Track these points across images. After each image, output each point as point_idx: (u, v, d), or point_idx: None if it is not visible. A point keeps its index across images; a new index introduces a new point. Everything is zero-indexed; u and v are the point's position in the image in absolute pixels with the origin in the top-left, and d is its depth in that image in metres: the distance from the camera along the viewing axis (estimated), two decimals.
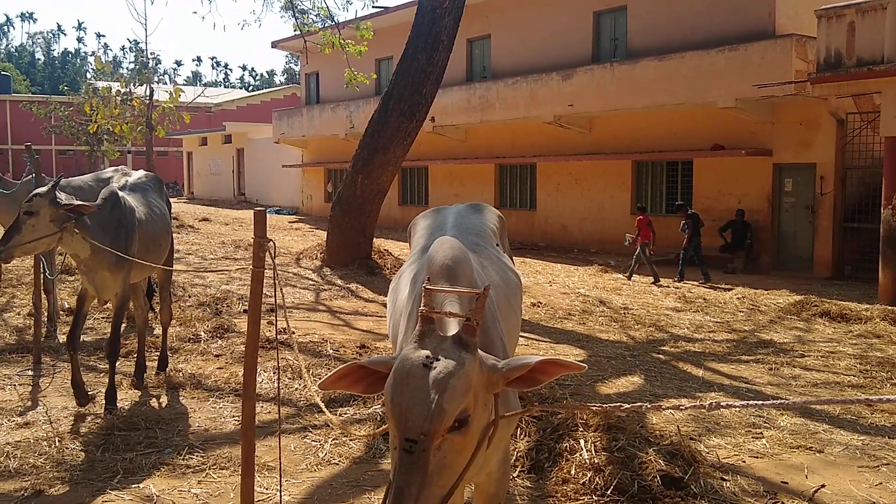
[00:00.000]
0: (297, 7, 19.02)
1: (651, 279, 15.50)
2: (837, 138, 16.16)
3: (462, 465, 2.14)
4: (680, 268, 15.89)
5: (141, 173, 7.20)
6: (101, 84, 36.85)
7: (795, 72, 15.53)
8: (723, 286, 14.84)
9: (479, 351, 2.25)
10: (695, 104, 17.87)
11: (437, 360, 2.15)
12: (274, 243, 3.81)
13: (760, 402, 2.29)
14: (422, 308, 2.30)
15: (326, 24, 18.41)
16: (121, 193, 6.21)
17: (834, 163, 16.26)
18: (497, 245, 3.37)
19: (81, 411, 6.13)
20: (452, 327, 2.39)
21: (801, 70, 15.43)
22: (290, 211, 34.85)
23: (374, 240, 16.11)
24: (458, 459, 2.13)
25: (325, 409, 3.67)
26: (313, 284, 13.61)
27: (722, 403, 2.33)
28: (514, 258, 4.01)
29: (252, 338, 3.85)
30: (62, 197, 5.67)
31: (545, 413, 5.79)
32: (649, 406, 2.43)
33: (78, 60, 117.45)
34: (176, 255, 14.95)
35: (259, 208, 4.10)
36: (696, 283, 15.30)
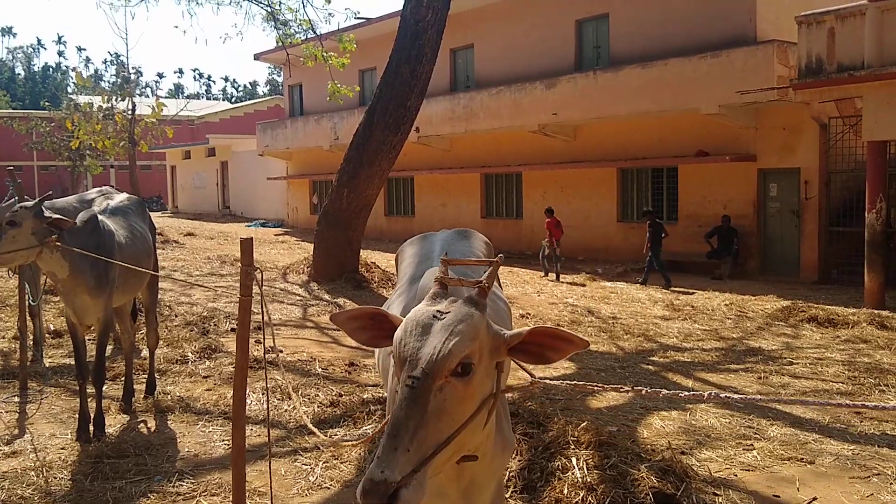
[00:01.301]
0: (278, 19, 18.98)
1: (553, 275, 17.39)
2: (821, 143, 16.25)
3: (460, 417, 2.15)
4: (646, 274, 16.46)
5: (123, 196, 7.16)
6: (82, 99, 36.70)
7: (778, 77, 15.63)
8: (684, 290, 14.89)
9: (488, 317, 2.31)
10: (679, 111, 17.93)
11: (448, 313, 2.23)
12: (261, 271, 3.79)
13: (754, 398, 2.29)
14: (438, 274, 2.41)
15: (309, 37, 18.38)
16: (101, 217, 6.16)
17: (818, 167, 16.34)
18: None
19: (71, 440, 6.07)
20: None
21: (784, 76, 15.51)
22: (276, 223, 34.76)
23: (361, 252, 16.08)
24: (458, 409, 2.14)
25: (316, 431, 3.65)
26: (300, 300, 13.57)
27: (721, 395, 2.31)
28: (501, 268, 4.03)
29: (241, 369, 3.83)
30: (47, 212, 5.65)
31: (535, 430, 5.79)
32: (645, 390, 2.43)
33: (59, 75, 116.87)
34: (161, 272, 14.90)
35: (246, 237, 4.08)
36: (658, 287, 15.81)
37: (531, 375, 2.57)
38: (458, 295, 2.34)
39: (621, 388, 2.41)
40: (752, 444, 6.18)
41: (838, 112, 15.57)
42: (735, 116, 17.07)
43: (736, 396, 2.28)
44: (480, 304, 2.29)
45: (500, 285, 3.77)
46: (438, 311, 2.26)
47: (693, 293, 14.96)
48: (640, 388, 2.29)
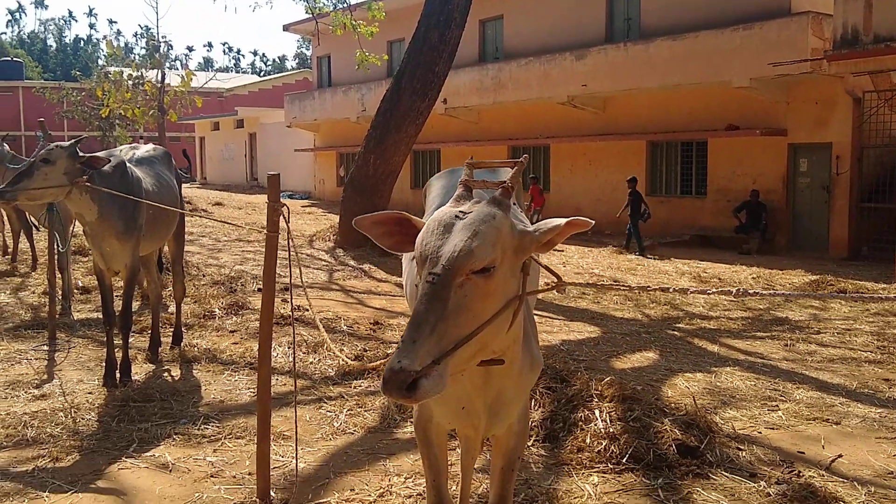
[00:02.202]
0: None
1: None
2: (854, 117, 15.99)
3: (481, 314, 2.16)
4: (627, 240, 17.20)
5: (150, 146, 7.20)
6: (112, 69, 36.92)
7: (811, 50, 15.38)
8: (654, 257, 14.94)
9: (512, 217, 2.32)
10: (709, 84, 17.73)
11: (470, 213, 2.25)
12: (288, 208, 3.79)
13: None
14: (462, 177, 2.43)
15: (338, 6, 18.35)
16: (128, 165, 6.20)
17: (850, 142, 16.10)
18: (514, 204, 3.34)
19: (98, 386, 6.14)
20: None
21: (818, 48, 15.27)
22: (303, 195, 34.86)
23: None
24: (478, 306, 2.16)
25: (350, 363, 3.66)
26: (326, 265, 13.62)
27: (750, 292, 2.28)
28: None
29: (267, 302, 3.84)
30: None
31: (558, 385, 5.78)
32: (673, 289, 2.41)
33: (90, 47, 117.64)
34: (190, 237, 15.00)
35: (272, 173, 4.09)
36: (634, 254, 16.46)
37: (557, 278, 2.58)
38: (482, 197, 2.32)
39: (648, 287, 2.39)
40: (777, 406, 6.13)
41: (873, 86, 15.29)
42: (766, 90, 16.84)
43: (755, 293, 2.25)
44: (504, 203, 2.29)
45: (523, 210, 3.74)
46: (461, 211, 2.27)
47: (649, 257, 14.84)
48: (667, 286, 2.28)
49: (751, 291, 2.16)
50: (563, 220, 2.34)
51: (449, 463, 3.21)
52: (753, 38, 16.55)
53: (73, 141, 5.77)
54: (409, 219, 2.54)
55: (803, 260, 15.69)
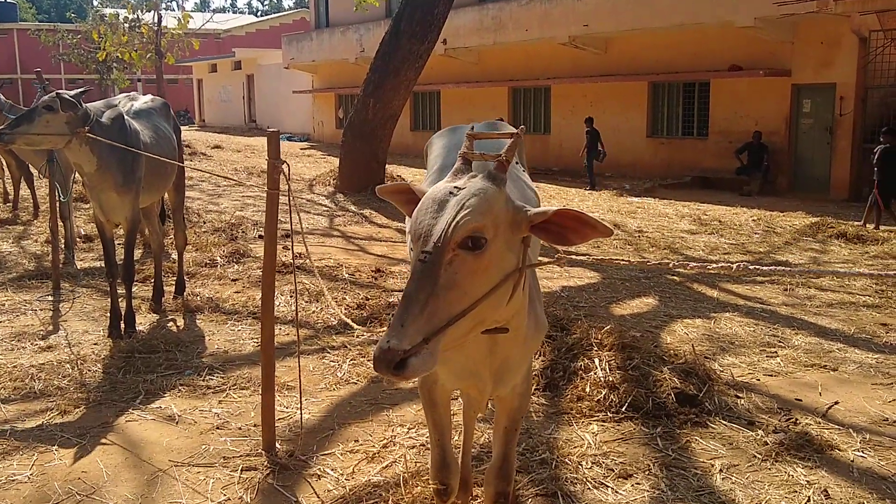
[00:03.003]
0: None
1: None
2: (859, 57, 15.81)
3: (474, 291, 2.16)
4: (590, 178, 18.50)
5: (148, 98, 7.13)
6: (108, 11, 36.38)
7: None
8: (711, 205, 14.77)
9: (508, 191, 2.31)
10: (713, 24, 17.48)
11: (464, 188, 2.24)
12: (288, 165, 3.79)
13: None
14: (462, 150, 2.42)
15: None
16: (126, 117, 6.17)
17: (855, 83, 15.95)
18: (516, 163, 3.33)
19: (103, 336, 6.20)
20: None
21: None
22: (302, 138, 34.66)
23: (387, 166, 16.04)
24: (470, 282, 2.15)
25: (351, 323, 3.70)
26: (327, 210, 13.62)
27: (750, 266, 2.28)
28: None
29: (269, 257, 3.87)
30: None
31: (558, 333, 5.84)
32: (673, 263, 2.43)
33: None
34: (189, 182, 14.97)
35: (272, 129, 4.07)
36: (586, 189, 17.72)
37: (557, 249, 2.57)
38: (480, 170, 2.32)
39: (648, 262, 2.39)
40: (775, 352, 6.19)
41: (880, 25, 15.09)
42: (771, 30, 16.61)
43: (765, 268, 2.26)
44: (498, 178, 2.27)
45: (525, 169, 3.73)
46: (456, 186, 2.25)
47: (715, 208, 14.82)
48: (684, 262, 2.29)
49: (751, 266, 2.17)
50: (553, 208, 2.32)
51: (451, 414, 3.25)
52: None
53: (78, 91, 5.73)
54: (412, 189, 2.53)
55: (804, 201, 15.68)
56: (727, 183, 17.66)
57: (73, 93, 5.65)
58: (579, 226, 2.33)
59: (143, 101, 6.92)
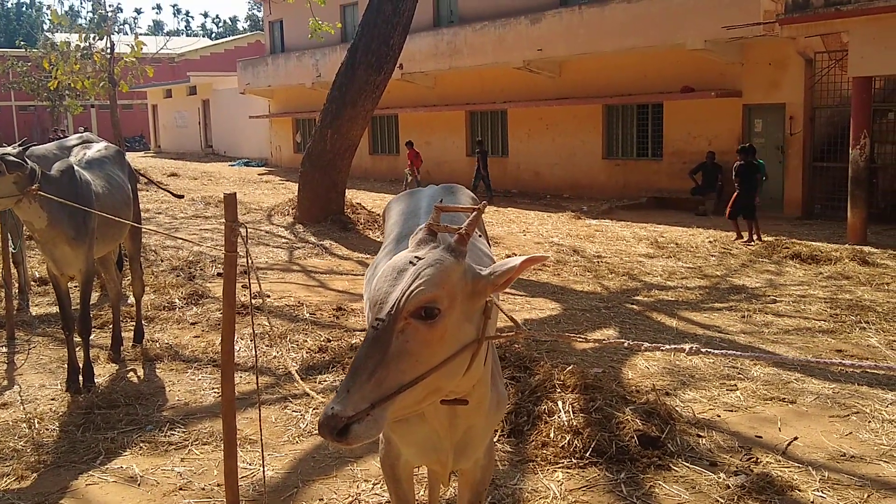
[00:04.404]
0: None
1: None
2: (806, 78, 16.17)
3: (427, 360, 2.16)
4: (488, 190, 20.35)
5: (101, 145, 7.05)
6: (59, 37, 35.94)
7: (764, 12, 15.43)
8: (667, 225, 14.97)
9: (468, 262, 2.32)
10: (665, 46, 17.76)
11: (423, 258, 2.25)
12: (246, 228, 3.77)
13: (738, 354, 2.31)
14: (429, 220, 2.45)
15: None
16: (77, 168, 6.08)
17: (803, 102, 16.29)
18: (478, 234, 3.36)
19: (60, 391, 6.10)
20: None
21: (770, 10, 15.32)
22: (260, 162, 34.49)
23: (347, 193, 16.02)
24: (423, 351, 2.15)
25: (300, 382, 3.67)
26: (286, 242, 13.56)
27: (702, 350, 2.32)
28: (487, 206, 4.07)
29: (227, 335, 3.84)
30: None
31: (522, 375, 5.87)
32: (627, 343, 2.46)
33: (34, 11, 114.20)
34: (145, 215, 14.81)
35: (229, 188, 4.05)
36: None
37: (517, 325, 2.58)
38: (443, 242, 2.34)
39: (623, 342, 2.41)
40: (735, 385, 6.27)
41: (824, 46, 15.45)
42: (721, 52, 16.93)
43: (749, 354, 2.29)
44: (458, 250, 2.28)
45: (487, 238, 3.76)
46: (416, 256, 2.27)
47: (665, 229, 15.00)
48: (639, 342, 2.31)
49: (703, 350, 2.20)
50: (518, 260, 2.32)
51: (416, 493, 3.25)
52: (707, 0, 16.58)
53: (20, 149, 5.63)
54: None
55: (759, 220, 15.90)
56: (683, 203, 17.90)
57: (15, 151, 5.54)
58: (528, 265, 2.36)
59: (96, 149, 6.84)
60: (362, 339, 2.19)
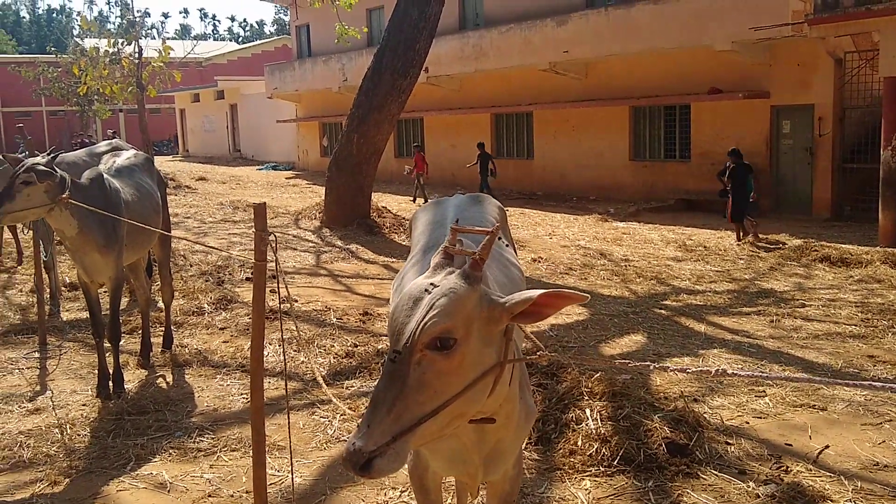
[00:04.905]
0: None
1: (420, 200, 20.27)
2: (836, 78, 16.00)
3: (446, 390, 2.15)
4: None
5: (131, 153, 7.13)
6: (88, 43, 36.31)
7: (793, 12, 15.30)
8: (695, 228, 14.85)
9: (484, 287, 2.29)
10: (692, 47, 17.66)
11: (438, 286, 2.23)
12: (275, 237, 3.80)
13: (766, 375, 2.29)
14: (445, 243, 2.43)
15: None
16: (106, 176, 6.15)
17: (832, 103, 16.12)
18: (499, 238, 3.35)
19: (91, 397, 6.17)
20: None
21: (799, 10, 15.19)
22: (287, 166, 34.70)
23: (373, 196, 16.07)
24: (441, 381, 2.14)
25: (327, 390, 3.69)
26: (313, 246, 13.62)
27: (728, 371, 2.28)
28: (512, 209, 4.06)
29: (257, 341, 3.86)
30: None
31: (549, 381, 5.85)
32: (655, 366, 2.44)
33: (63, 17, 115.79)
34: (174, 220, 14.95)
35: (259, 196, 4.08)
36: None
37: (540, 346, 2.57)
38: (460, 265, 2.33)
39: (668, 368, 2.38)
40: (763, 391, 6.21)
41: (854, 46, 15.28)
42: (748, 53, 16.81)
43: (804, 376, 2.27)
44: (472, 276, 2.25)
45: (513, 246, 3.75)
46: (432, 283, 2.25)
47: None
48: (665, 366, 2.29)
49: (729, 372, 2.17)
50: (535, 293, 2.27)
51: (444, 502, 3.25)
52: (735, 1, 16.46)
53: (49, 158, 5.70)
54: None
55: (787, 222, 15.79)
56: (710, 205, 17.76)
57: (45, 160, 5.61)
58: (558, 301, 2.32)
59: (126, 156, 6.91)
60: (388, 344, 2.20)
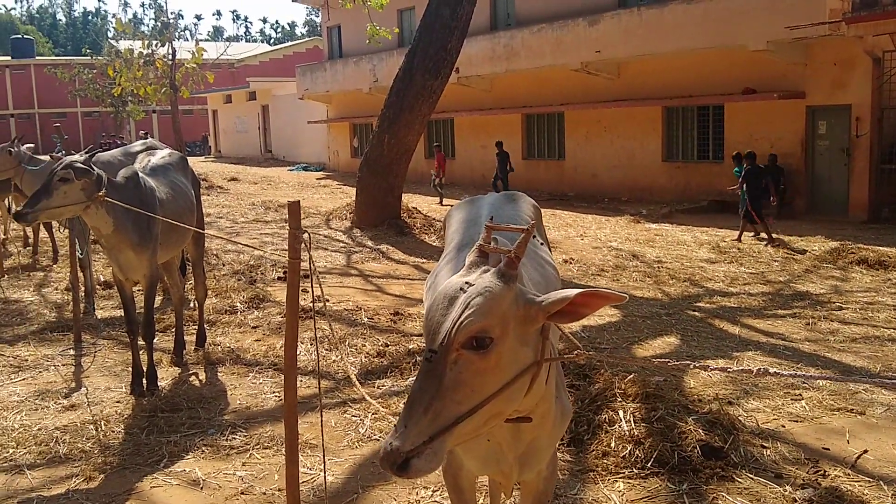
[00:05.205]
0: None
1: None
2: (874, 78, 15.74)
3: (483, 389, 2.14)
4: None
5: (166, 152, 7.19)
6: (123, 45, 36.82)
7: (830, 11, 15.09)
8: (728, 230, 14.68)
9: (520, 286, 2.27)
10: (725, 47, 17.48)
11: (473, 285, 2.21)
12: (310, 235, 3.80)
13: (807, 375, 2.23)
14: (479, 241, 2.42)
15: None
16: (141, 175, 6.21)
17: (870, 103, 15.87)
18: (534, 237, 3.32)
19: (125, 394, 6.22)
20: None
21: (836, 9, 14.98)
22: (317, 167, 34.88)
23: (403, 197, 16.09)
24: (478, 381, 2.13)
25: (360, 388, 3.68)
26: (344, 247, 13.66)
27: (770, 370, 2.23)
28: (543, 210, 4.04)
29: (291, 339, 3.87)
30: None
31: (582, 383, 5.81)
32: (695, 365, 2.40)
33: (99, 20, 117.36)
34: (207, 220, 15.06)
35: (291, 196, 4.08)
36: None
37: (578, 346, 2.53)
38: (495, 263, 2.31)
39: (709, 367, 2.34)
40: (800, 394, 6.12)
41: (893, 45, 15.04)
42: (783, 52, 16.60)
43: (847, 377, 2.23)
44: (507, 275, 2.23)
45: (547, 243, 3.71)
46: (467, 282, 2.23)
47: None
48: (706, 364, 2.24)
49: (772, 371, 2.12)
50: (572, 292, 2.24)
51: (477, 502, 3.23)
52: (769, 0, 16.28)
53: (87, 155, 5.77)
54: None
55: (822, 224, 15.58)
56: None
57: (83, 158, 5.67)
58: (595, 301, 2.29)
59: (161, 155, 6.97)
60: (420, 344, 2.19)
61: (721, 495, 4.45)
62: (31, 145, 10.98)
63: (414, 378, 6.18)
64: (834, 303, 9.26)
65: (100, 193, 5.59)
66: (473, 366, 2.13)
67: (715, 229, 15.41)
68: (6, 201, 12.41)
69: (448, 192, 22.32)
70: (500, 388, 2.18)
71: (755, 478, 4.64)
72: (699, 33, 17.61)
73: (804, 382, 6.41)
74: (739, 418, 5.45)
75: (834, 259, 11.72)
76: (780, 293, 9.94)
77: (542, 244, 3.53)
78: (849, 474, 4.72)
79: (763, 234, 13.94)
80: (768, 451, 5.03)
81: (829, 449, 5.11)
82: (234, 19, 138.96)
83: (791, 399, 6.05)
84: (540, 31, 21.62)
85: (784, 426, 5.50)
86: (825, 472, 4.72)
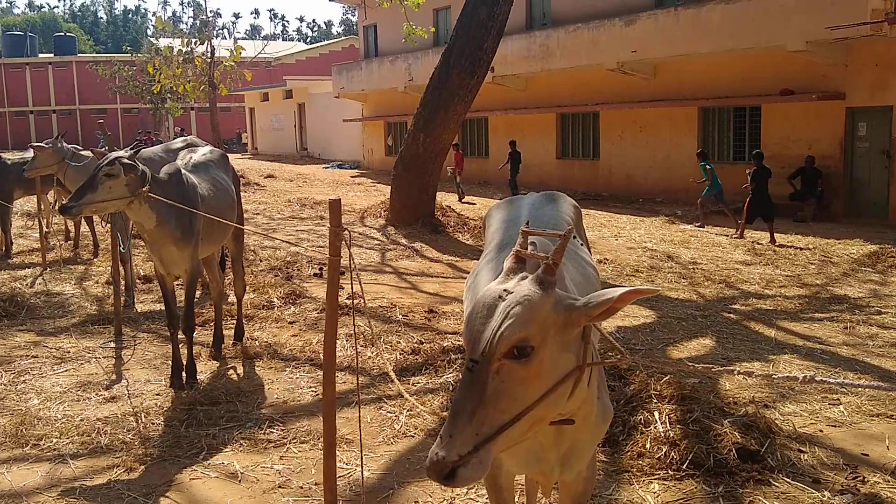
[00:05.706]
0: None
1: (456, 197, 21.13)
2: None
3: (526, 397, 2.15)
4: (513, 191, 20.02)
5: (207, 149, 7.30)
6: (163, 42, 37.27)
7: (872, 11, 14.89)
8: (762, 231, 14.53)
9: (559, 291, 2.27)
10: (763, 48, 17.31)
11: (511, 293, 2.21)
12: (349, 233, 3.84)
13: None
14: (516, 246, 2.42)
15: None
16: (183, 171, 6.30)
17: None
18: (574, 237, 3.33)
19: (165, 387, 6.33)
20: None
21: (879, 9, 14.78)
22: (352, 165, 35.04)
23: (437, 195, 16.13)
24: (520, 390, 2.14)
25: (398, 383, 3.72)
26: (378, 244, 13.73)
27: (816, 378, 2.22)
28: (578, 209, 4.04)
29: (330, 335, 3.92)
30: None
31: (617, 384, 5.81)
32: (739, 371, 2.40)
33: (139, 18, 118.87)
34: (244, 216, 15.22)
35: (328, 191, 4.13)
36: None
37: (621, 352, 2.54)
38: (533, 269, 2.31)
39: (754, 373, 2.33)
40: (838, 399, 6.06)
41: None
42: (823, 53, 16.40)
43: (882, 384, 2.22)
44: (546, 282, 2.23)
45: (587, 244, 3.72)
46: (505, 289, 2.24)
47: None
48: (749, 370, 2.24)
49: (818, 378, 2.10)
50: (617, 292, 2.24)
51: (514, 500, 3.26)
52: (809, 0, 16.09)
53: (132, 150, 5.87)
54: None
55: (861, 227, 15.38)
56: (781, 208, 17.31)
57: (128, 154, 5.77)
58: (630, 296, 2.29)
59: (202, 152, 7.07)
60: (454, 342, 2.21)
61: (757, 499, 4.43)
62: (76, 146, 11.21)
63: (448, 376, 6.22)
64: (873, 307, 9.15)
65: (143, 189, 5.69)
66: (515, 375, 2.14)
67: (751, 231, 15.26)
68: (49, 196, 12.66)
69: (480, 190, 22.36)
70: (543, 395, 2.19)
71: (792, 482, 4.61)
72: (737, 33, 17.45)
73: (842, 387, 6.35)
74: (776, 422, 5.42)
75: (873, 262, 11.59)
76: (817, 296, 9.84)
77: (581, 245, 3.54)
78: (888, 481, 4.67)
79: (734, 230, 14.84)
80: (805, 455, 4.99)
81: (868, 455, 5.06)
82: (271, 18, 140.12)
83: (829, 403, 5.99)
84: (576, 30, 21.56)
85: (822, 431, 5.45)
86: (864, 478, 4.68)
